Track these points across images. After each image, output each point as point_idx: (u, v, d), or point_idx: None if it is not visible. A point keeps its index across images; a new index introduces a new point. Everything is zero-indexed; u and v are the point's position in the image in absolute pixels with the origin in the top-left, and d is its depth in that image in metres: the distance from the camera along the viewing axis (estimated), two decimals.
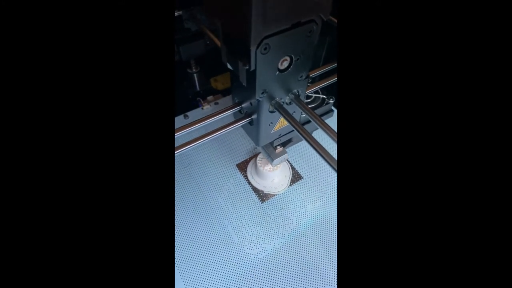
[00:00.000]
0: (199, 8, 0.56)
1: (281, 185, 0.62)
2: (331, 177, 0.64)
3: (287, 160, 0.67)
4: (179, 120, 0.73)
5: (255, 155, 0.65)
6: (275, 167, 0.61)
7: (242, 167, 0.66)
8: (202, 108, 0.74)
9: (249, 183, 0.63)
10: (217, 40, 0.51)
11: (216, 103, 0.76)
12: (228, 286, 0.49)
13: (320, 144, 0.33)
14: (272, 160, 0.53)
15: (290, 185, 0.63)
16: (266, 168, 0.61)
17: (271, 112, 0.40)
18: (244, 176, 0.64)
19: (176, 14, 0.55)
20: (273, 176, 0.62)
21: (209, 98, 0.77)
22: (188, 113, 0.74)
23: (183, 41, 0.61)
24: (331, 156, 0.32)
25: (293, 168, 0.66)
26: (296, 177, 0.64)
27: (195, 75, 0.77)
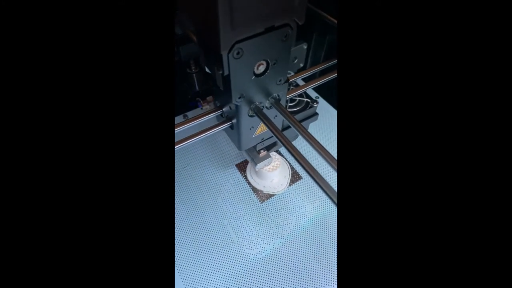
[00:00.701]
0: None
1: (280, 185, 0.62)
2: (330, 177, 0.64)
3: (286, 160, 0.67)
4: (178, 120, 0.73)
5: None
6: (274, 167, 0.61)
7: (242, 167, 0.66)
8: (202, 108, 0.74)
9: (249, 183, 0.63)
10: None
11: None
12: (227, 286, 0.49)
13: (299, 151, 0.33)
14: (256, 164, 0.52)
15: (290, 185, 0.63)
16: (265, 168, 0.61)
17: (251, 116, 0.39)
18: (243, 176, 0.64)
19: None
20: (272, 176, 0.62)
21: (209, 98, 0.77)
22: (188, 113, 0.74)
23: (182, 41, 0.61)
24: (310, 165, 0.32)
25: (292, 168, 0.66)
26: (295, 177, 0.64)
27: (194, 75, 0.77)
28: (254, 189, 0.62)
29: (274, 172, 0.61)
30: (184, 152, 0.68)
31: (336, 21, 0.52)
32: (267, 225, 0.57)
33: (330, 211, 0.59)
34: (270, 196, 0.61)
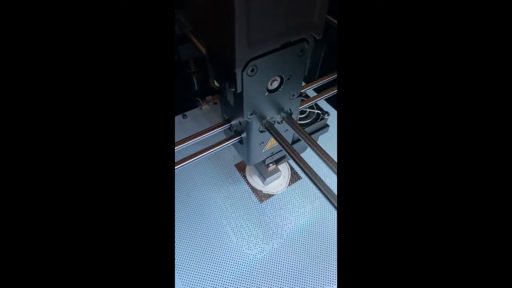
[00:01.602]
0: (183, 12, 0.54)
1: (279, 185, 0.62)
2: (330, 178, 0.64)
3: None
4: (177, 120, 0.73)
5: None
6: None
7: (241, 167, 0.66)
8: (201, 108, 0.74)
9: (248, 183, 0.63)
10: (201, 47, 0.49)
11: (215, 103, 0.76)
12: (226, 286, 0.49)
13: (308, 165, 0.33)
14: (265, 179, 0.51)
15: (289, 185, 0.63)
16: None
17: (262, 131, 0.38)
18: (242, 176, 0.64)
19: None
20: None
21: (208, 98, 0.77)
22: (187, 113, 0.74)
23: (182, 41, 0.61)
24: (319, 178, 0.32)
25: (291, 168, 0.66)
26: (294, 177, 0.64)
27: (193, 75, 0.77)
28: (253, 189, 0.62)
29: None
30: (184, 152, 0.68)
31: (336, 21, 0.52)
32: (266, 225, 0.56)
33: (329, 212, 0.59)
34: (269, 196, 0.61)
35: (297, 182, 0.63)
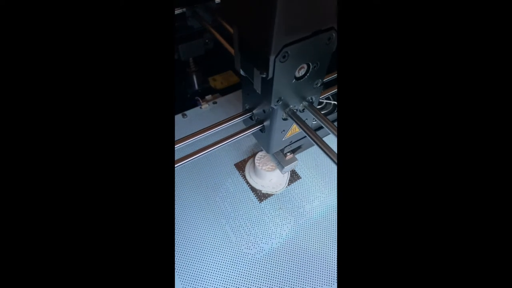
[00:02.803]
0: (202, 6, 0.56)
1: (279, 185, 0.62)
2: (329, 177, 0.64)
3: None
4: (177, 119, 0.73)
5: (254, 155, 0.65)
6: (273, 167, 0.61)
7: (241, 166, 0.66)
8: (201, 107, 0.74)
9: (247, 182, 0.63)
10: (221, 38, 0.51)
11: (215, 103, 0.76)
12: (225, 285, 0.49)
13: (332, 150, 0.33)
14: (283, 167, 0.52)
15: (288, 185, 0.63)
16: (264, 167, 0.61)
17: (284, 119, 0.39)
18: (242, 176, 0.64)
19: (180, 11, 0.55)
20: (271, 175, 0.62)
21: (208, 97, 0.77)
22: (187, 112, 0.74)
23: (182, 40, 0.61)
24: None
25: None
26: (294, 177, 0.64)
27: (193, 74, 0.77)
28: (253, 189, 0.62)
29: (273, 172, 0.61)
30: (183, 151, 0.68)
31: None
32: (266, 225, 0.56)
33: (328, 211, 0.59)
34: (268, 195, 0.61)
35: (296, 182, 0.63)
